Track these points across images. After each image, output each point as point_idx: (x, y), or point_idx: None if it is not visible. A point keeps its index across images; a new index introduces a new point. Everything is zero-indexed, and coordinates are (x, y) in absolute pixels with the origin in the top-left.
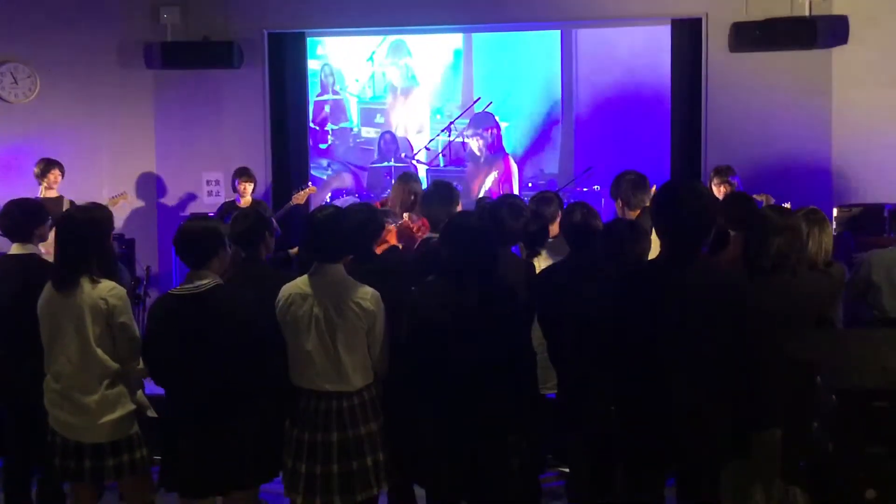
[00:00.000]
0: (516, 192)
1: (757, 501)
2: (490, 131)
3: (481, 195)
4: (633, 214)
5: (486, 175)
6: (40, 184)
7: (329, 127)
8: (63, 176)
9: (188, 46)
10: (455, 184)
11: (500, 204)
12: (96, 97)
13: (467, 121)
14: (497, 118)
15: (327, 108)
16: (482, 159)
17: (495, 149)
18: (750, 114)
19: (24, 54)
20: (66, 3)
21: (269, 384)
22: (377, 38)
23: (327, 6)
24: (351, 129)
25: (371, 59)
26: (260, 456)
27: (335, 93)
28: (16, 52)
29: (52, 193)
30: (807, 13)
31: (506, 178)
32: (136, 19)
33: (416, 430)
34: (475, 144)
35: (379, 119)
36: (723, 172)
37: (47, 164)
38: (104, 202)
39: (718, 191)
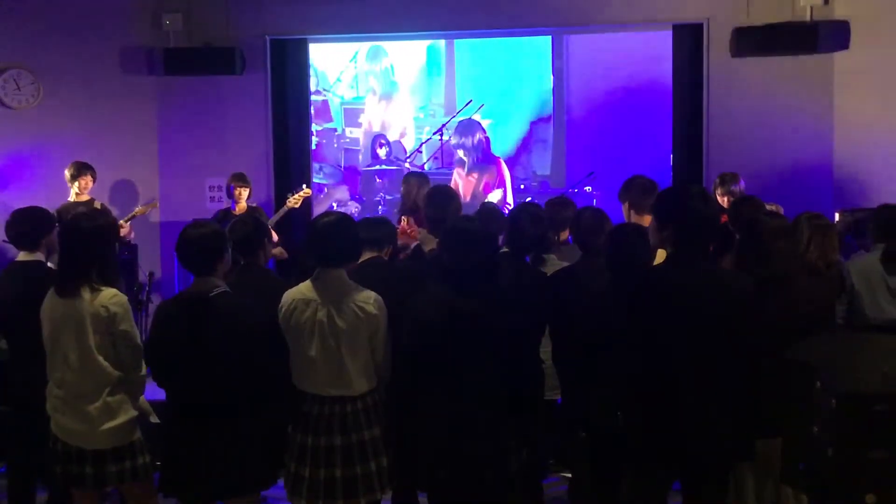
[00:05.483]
0: (510, 199)
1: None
2: (474, 138)
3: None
4: (639, 218)
5: (477, 183)
6: (70, 187)
7: (314, 128)
8: (95, 180)
9: (190, 53)
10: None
11: (520, 212)
12: (99, 103)
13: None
14: (483, 123)
15: (312, 109)
16: (468, 165)
17: (484, 155)
18: (751, 119)
19: (27, 61)
20: (68, 10)
21: (271, 390)
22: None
23: (329, 13)
24: (335, 130)
25: (354, 59)
26: (260, 462)
27: (319, 93)
28: (19, 59)
29: (84, 197)
30: (808, 18)
31: (499, 184)
32: (138, 26)
33: (418, 436)
34: (461, 152)
35: (363, 119)
36: (726, 181)
37: (79, 169)
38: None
39: (722, 200)
